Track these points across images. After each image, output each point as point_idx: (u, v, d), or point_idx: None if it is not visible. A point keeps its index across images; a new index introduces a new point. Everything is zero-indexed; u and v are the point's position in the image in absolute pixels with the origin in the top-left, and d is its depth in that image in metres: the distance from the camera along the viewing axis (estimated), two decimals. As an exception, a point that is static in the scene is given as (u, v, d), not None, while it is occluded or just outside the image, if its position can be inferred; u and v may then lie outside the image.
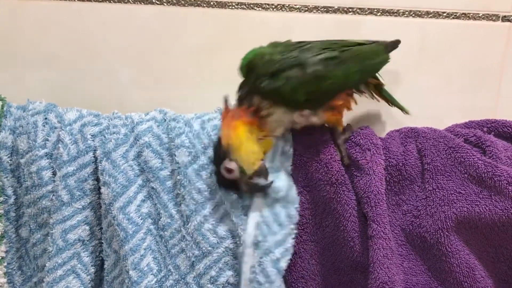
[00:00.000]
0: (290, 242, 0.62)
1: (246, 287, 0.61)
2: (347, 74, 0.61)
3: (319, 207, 0.65)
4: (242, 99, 0.61)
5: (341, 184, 0.63)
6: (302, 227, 0.66)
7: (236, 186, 0.61)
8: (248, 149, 0.59)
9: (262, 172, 0.61)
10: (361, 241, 0.64)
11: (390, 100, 0.68)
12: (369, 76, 0.65)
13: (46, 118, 0.65)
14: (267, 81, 0.59)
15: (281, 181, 0.63)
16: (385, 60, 0.65)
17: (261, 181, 0.61)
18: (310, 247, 0.66)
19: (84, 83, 0.75)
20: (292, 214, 0.63)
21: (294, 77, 0.58)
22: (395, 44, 0.66)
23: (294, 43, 0.62)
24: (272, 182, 0.61)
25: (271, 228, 0.61)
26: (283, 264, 0.61)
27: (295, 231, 0.63)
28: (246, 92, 0.61)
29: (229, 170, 0.59)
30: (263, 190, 0.61)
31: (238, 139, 0.59)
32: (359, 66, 0.62)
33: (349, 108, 0.65)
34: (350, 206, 0.63)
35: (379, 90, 0.67)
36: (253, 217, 0.62)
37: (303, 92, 0.59)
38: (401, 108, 0.68)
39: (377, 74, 0.67)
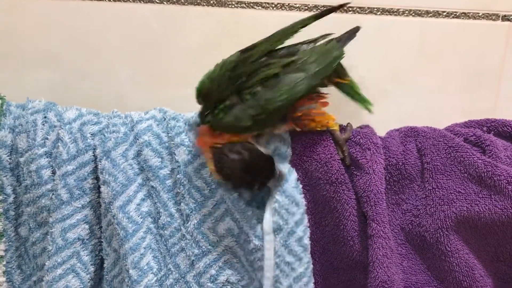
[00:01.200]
0: (306, 218, 0.62)
1: (271, 273, 0.61)
2: (291, 88, 0.58)
3: (318, 206, 0.65)
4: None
5: (340, 183, 0.63)
6: (302, 226, 0.66)
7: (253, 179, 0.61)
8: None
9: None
10: (360, 240, 0.64)
11: (352, 97, 0.65)
12: (319, 79, 0.60)
13: (45, 117, 0.65)
14: (209, 115, 0.59)
15: (284, 164, 0.63)
16: (339, 57, 0.61)
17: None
18: (310, 246, 0.66)
19: (84, 82, 0.75)
20: (301, 190, 0.63)
21: (236, 106, 0.58)
22: (351, 35, 0.62)
23: (232, 62, 0.60)
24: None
25: (290, 210, 0.61)
26: (306, 241, 0.62)
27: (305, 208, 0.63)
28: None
29: (238, 151, 0.59)
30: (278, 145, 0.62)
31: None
32: (305, 74, 0.59)
33: (323, 105, 0.63)
34: (349, 205, 0.63)
35: (340, 88, 0.64)
36: (269, 204, 0.62)
37: (247, 119, 0.58)
38: (364, 105, 0.65)
39: (342, 70, 0.64)
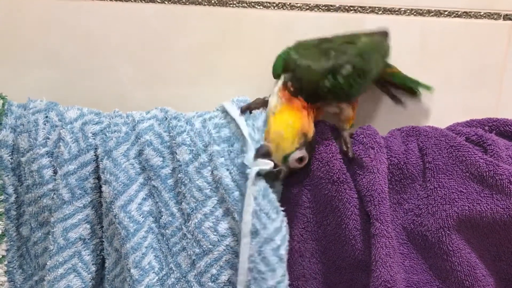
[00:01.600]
0: (285, 227, 0.61)
1: (244, 277, 0.60)
2: (377, 65, 0.64)
3: (320, 206, 0.65)
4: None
5: (342, 182, 0.63)
6: (303, 226, 0.66)
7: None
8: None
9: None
10: (362, 240, 0.64)
11: (405, 85, 0.70)
12: (384, 64, 0.67)
13: (47, 117, 0.65)
14: (325, 80, 0.60)
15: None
16: (388, 48, 0.68)
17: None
18: (311, 246, 0.66)
19: (85, 81, 0.75)
20: (276, 199, 0.61)
21: (349, 74, 0.60)
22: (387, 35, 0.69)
23: (314, 41, 0.64)
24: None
25: (270, 216, 0.59)
26: (283, 251, 0.60)
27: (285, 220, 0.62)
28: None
29: (301, 158, 0.60)
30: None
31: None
32: (378, 55, 0.65)
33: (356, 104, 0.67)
34: (352, 204, 0.63)
35: (391, 77, 0.69)
36: (249, 205, 0.60)
37: (357, 86, 0.61)
38: (424, 87, 0.69)
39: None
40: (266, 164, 0.59)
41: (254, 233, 0.59)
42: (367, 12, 0.72)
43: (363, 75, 0.62)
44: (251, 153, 0.60)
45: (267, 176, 0.60)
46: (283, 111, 0.61)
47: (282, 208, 0.62)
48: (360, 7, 0.72)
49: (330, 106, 0.64)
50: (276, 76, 0.64)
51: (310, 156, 0.62)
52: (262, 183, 0.60)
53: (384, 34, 0.68)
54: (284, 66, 0.63)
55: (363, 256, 0.64)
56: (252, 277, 0.59)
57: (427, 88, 0.69)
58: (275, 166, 0.60)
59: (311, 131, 0.61)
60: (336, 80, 0.60)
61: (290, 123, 0.60)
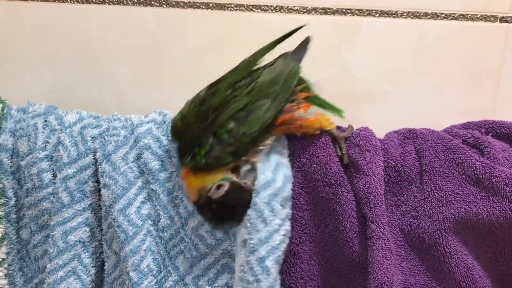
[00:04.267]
0: (277, 239, 0.60)
1: (237, 286, 0.61)
2: (262, 117, 0.59)
3: (318, 208, 0.65)
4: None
5: (340, 185, 0.63)
6: (301, 228, 0.66)
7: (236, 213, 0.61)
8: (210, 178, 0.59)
9: (235, 168, 0.61)
10: (360, 242, 0.64)
11: (323, 107, 0.65)
12: (285, 100, 0.60)
13: (46, 121, 0.65)
14: (192, 159, 0.59)
15: (264, 174, 0.61)
16: (296, 72, 0.61)
17: (245, 169, 0.61)
18: (309, 248, 0.66)
19: (84, 84, 0.75)
20: (275, 208, 0.60)
21: (215, 147, 0.58)
22: (303, 47, 0.62)
23: (199, 98, 0.61)
24: (253, 163, 0.61)
25: (256, 226, 0.59)
26: (269, 263, 0.59)
27: (285, 228, 0.61)
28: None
29: (219, 185, 0.59)
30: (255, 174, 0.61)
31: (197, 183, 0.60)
32: (270, 99, 0.59)
33: (305, 110, 0.63)
34: (349, 207, 0.64)
35: (310, 101, 0.63)
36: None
37: (228, 156, 0.59)
38: (336, 112, 0.65)
39: (305, 84, 0.63)
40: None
41: (243, 242, 0.60)
42: (364, 15, 0.72)
43: (235, 143, 0.58)
44: None
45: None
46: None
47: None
48: (357, 10, 0.72)
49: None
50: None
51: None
52: (255, 192, 0.60)
53: (296, 54, 0.62)
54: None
55: (361, 258, 0.65)
56: (242, 286, 0.60)
57: (339, 113, 0.64)
58: None
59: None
60: (196, 159, 0.58)
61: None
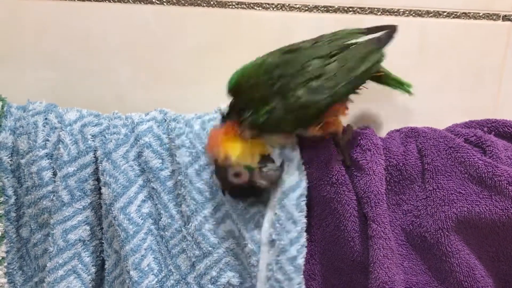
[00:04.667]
0: (304, 237, 0.62)
1: (262, 285, 0.61)
2: (335, 93, 0.58)
3: (319, 207, 0.65)
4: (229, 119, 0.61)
5: (341, 184, 0.63)
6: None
7: (250, 192, 0.61)
8: (243, 150, 0.59)
9: (266, 159, 0.60)
10: (361, 241, 0.64)
11: (393, 85, 0.65)
12: (361, 83, 0.61)
13: (46, 119, 0.65)
14: (251, 115, 0.58)
15: (291, 176, 0.62)
16: (379, 60, 0.61)
17: (271, 167, 0.60)
18: (310, 247, 0.66)
19: (84, 83, 0.75)
20: (303, 208, 0.62)
21: (278, 108, 0.57)
22: (388, 36, 0.61)
23: (273, 63, 0.59)
24: (283, 162, 0.61)
25: (285, 226, 0.61)
26: (300, 261, 0.61)
27: (305, 234, 0.62)
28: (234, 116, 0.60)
29: (237, 174, 0.59)
30: (278, 175, 0.61)
31: (231, 147, 0.59)
32: (348, 79, 0.58)
33: (344, 114, 0.63)
34: (350, 206, 0.63)
35: (376, 80, 0.64)
36: (269, 215, 0.62)
37: (288, 122, 0.58)
38: (404, 88, 0.65)
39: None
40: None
41: (271, 242, 0.61)
42: (366, 13, 0.72)
43: (300, 112, 0.58)
44: None
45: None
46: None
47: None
48: (359, 8, 0.72)
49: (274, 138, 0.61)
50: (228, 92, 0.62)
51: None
52: (279, 194, 0.61)
53: (381, 40, 0.62)
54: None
55: (362, 258, 0.65)
56: (270, 285, 0.60)
57: (406, 86, 0.65)
58: None
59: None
60: (259, 116, 0.58)
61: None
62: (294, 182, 0.61)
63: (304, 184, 0.62)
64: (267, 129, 0.59)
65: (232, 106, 0.61)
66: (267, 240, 0.61)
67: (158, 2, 0.73)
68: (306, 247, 0.62)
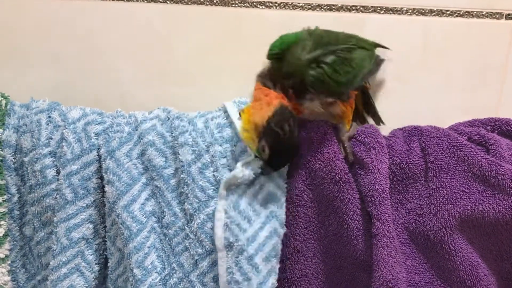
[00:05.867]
0: (262, 236, 0.61)
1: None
2: (367, 64, 0.64)
3: (322, 206, 0.65)
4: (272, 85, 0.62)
5: (344, 182, 0.63)
6: (305, 226, 0.66)
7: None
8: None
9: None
10: (364, 240, 0.64)
11: (370, 108, 0.70)
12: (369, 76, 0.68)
13: (49, 117, 0.65)
14: (311, 69, 0.60)
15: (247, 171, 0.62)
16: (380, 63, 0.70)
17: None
18: (313, 246, 0.66)
19: (87, 81, 0.75)
20: (256, 208, 0.62)
21: (334, 62, 0.60)
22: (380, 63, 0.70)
23: (320, 31, 0.64)
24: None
25: (242, 226, 0.61)
26: (258, 260, 0.61)
27: (269, 226, 0.62)
28: (276, 78, 0.62)
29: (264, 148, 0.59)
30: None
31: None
32: (370, 63, 0.66)
33: (352, 104, 0.66)
34: (353, 204, 0.63)
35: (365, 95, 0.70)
36: (219, 220, 0.62)
37: (344, 74, 0.61)
38: (377, 119, 0.70)
39: None
40: (247, 158, 0.61)
41: (229, 246, 0.61)
42: (369, 12, 0.72)
43: (349, 64, 0.61)
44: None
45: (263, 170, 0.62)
46: (249, 106, 0.61)
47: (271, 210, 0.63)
48: (362, 6, 0.72)
49: (316, 103, 0.62)
50: (270, 56, 0.64)
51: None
52: (233, 196, 0.61)
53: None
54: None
55: (365, 256, 0.65)
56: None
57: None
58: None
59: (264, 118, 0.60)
60: (320, 68, 0.60)
61: (250, 117, 0.60)
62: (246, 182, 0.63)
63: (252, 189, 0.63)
64: (320, 84, 0.60)
65: (272, 72, 0.62)
66: (223, 245, 0.61)
67: (161, 0, 0.73)
68: (268, 248, 0.62)
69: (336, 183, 0.63)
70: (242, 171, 0.61)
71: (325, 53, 0.60)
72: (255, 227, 0.62)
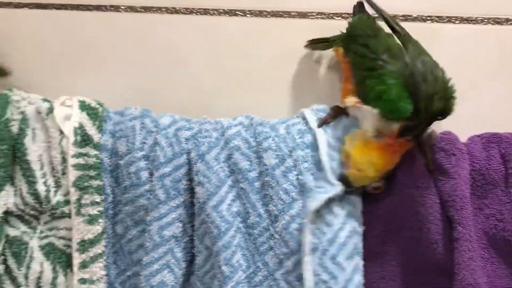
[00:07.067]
0: (342, 236, 0.64)
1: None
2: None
3: (402, 210, 0.67)
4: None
5: (425, 188, 0.65)
6: (384, 229, 0.68)
7: None
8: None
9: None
10: (444, 244, 0.65)
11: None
12: None
13: (142, 123, 0.70)
14: (438, 101, 0.58)
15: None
16: None
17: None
18: (391, 248, 0.68)
19: (171, 90, 0.79)
20: (334, 211, 0.65)
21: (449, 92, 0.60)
22: None
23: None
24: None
25: (322, 229, 0.64)
26: (340, 258, 0.64)
27: (349, 226, 0.65)
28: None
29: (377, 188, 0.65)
30: None
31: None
32: None
33: None
34: (434, 209, 0.65)
35: None
36: (307, 226, 0.64)
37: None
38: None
39: None
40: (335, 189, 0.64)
41: (314, 249, 0.64)
42: (444, 22, 0.74)
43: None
44: (328, 175, 0.65)
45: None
46: (372, 147, 0.63)
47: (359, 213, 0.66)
48: (437, 16, 0.74)
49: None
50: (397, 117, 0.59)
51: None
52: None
53: None
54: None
55: (444, 260, 0.66)
56: None
57: None
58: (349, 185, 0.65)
59: (393, 165, 0.63)
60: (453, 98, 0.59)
61: (374, 162, 0.62)
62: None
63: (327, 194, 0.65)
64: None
65: (408, 128, 0.60)
66: (309, 249, 0.64)
67: (241, 14, 0.77)
68: (351, 248, 0.65)
69: (418, 189, 0.65)
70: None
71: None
72: (335, 228, 0.64)
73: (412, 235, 0.67)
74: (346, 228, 0.65)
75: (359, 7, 0.69)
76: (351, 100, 0.64)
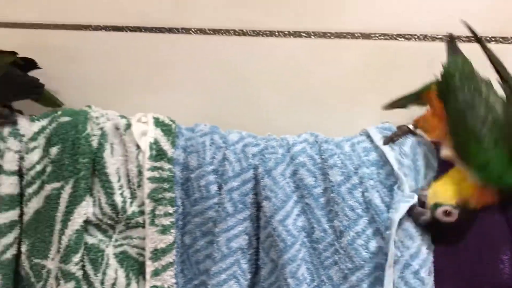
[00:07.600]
0: (424, 252, 0.65)
1: None
2: None
3: (465, 227, 0.67)
4: None
5: (491, 207, 0.65)
6: (447, 244, 0.68)
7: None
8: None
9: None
10: (511, 264, 0.65)
11: None
12: None
13: (212, 139, 0.74)
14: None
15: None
16: None
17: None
18: (454, 264, 0.68)
19: (235, 108, 0.83)
20: (415, 225, 0.65)
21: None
22: None
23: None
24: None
25: (405, 243, 0.65)
26: (423, 274, 0.64)
27: (427, 241, 0.66)
28: None
29: (447, 213, 0.63)
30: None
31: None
32: None
33: None
34: (499, 230, 0.65)
35: None
36: (392, 238, 0.65)
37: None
38: None
39: None
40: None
41: (395, 261, 0.65)
42: (509, 43, 0.74)
43: None
44: (403, 186, 0.66)
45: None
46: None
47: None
48: (502, 37, 0.74)
49: None
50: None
51: (467, 222, 0.64)
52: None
53: None
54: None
55: (510, 280, 0.65)
56: None
57: None
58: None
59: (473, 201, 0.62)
60: None
61: (450, 195, 0.63)
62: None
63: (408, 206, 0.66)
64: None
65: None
66: (392, 262, 0.65)
67: (305, 35, 0.80)
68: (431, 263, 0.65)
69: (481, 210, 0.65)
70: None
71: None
72: (417, 242, 0.65)
73: (476, 252, 0.67)
74: (426, 243, 0.66)
75: (451, 44, 0.65)
76: (447, 154, 0.64)
